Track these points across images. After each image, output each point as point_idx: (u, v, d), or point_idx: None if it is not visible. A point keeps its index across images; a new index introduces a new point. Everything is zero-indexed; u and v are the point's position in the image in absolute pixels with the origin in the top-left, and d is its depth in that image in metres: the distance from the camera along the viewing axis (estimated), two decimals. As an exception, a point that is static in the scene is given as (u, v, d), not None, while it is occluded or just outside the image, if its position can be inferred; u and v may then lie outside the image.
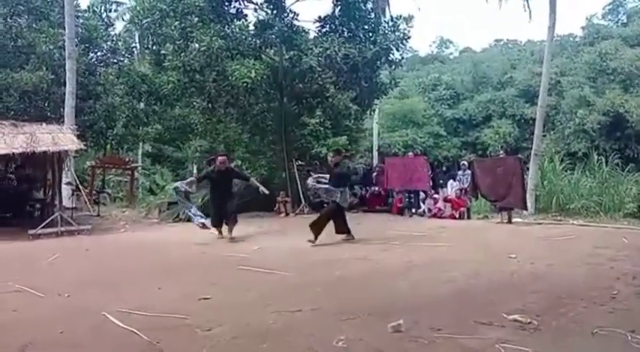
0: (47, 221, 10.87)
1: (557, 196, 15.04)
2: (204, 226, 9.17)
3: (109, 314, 4.42)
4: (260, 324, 4.16)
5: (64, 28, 15.68)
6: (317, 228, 8.64)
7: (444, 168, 16.16)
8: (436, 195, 13.73)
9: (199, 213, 9.34)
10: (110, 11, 19.73)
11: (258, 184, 9.89)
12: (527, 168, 13.75)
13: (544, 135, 18.49)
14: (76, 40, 16.19)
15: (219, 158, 9.38)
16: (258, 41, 14.55)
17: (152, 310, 4.59)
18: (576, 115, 24.13)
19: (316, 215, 14.06)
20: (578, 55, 29.06)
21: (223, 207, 9.23)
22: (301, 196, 15.04)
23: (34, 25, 17.02)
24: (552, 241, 8.82)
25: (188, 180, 9.64)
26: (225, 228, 9.33)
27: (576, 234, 9.45)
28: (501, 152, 14.56)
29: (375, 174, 16.03)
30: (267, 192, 9.88)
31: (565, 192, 15.34)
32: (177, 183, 9.73)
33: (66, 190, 12.81)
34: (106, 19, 19.24)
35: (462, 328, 3.97)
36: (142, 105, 19.47)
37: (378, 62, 14.96)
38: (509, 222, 11.72)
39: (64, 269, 6.96)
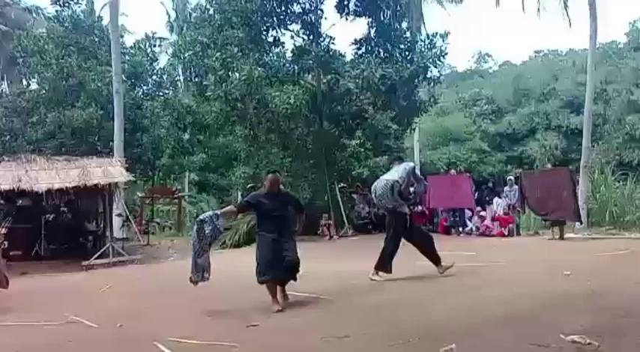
0: (99, 252, 11.23)
1: (610, 209, 14.45)
2: (198, 281, 5.95)
3: (161, 343, 4.48)
4: (308, 351, 4.13)
5: (111, 66, 16.40)
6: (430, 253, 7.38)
7: (490, 185, 15.79)
8: (483, 213, 13.43)
9: (207, 267, 5.95)
10: (154, 46, 20.41)
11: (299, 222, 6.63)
12: (577, 181, 13.28)
13: (592, 146, 17.87)
14: (122, 76, 16.87)
15: (270, 176, 6.13)
16: (296, 67, 14.80)
17: (202, 338, 4.63)
18: (626, 122, 23.26)
19: (361, 236, 14.11)
20: (623, 61, 28.11)
21: (280, 251, 5.81)
22: (345, 218, 14.98)
23: (83, 64, 17.86)
24: (608, 256, 8.46)
25: (225, 209, 6.51)
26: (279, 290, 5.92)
27: (633, 248, 9.04)
28: (549, 165, 14.14)
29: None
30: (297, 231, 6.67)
31: (619, 205, 14.72)
32: (207, 214, 6.20)
33: (117, 221, 13.22)
34: (150, 55, 19.96)
35: (517, 351, 3.82)
36: (186, 135, 20.01)
37: (416, 80, 14.90)
38: (562, 237, 11.33)
39: (116, 299, 7.13)
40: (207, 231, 5.81)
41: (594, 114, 17.82)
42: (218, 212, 6.22)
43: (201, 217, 6.05)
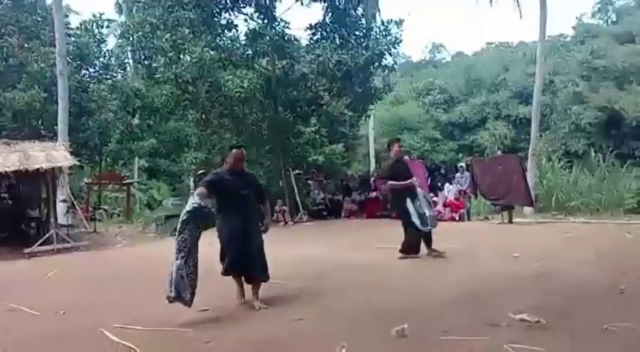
0: (43, 239, 10.74)
1: (556, 195, 15.00)
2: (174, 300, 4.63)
3: (107, 330, 4.30)
4: (261, 334, 4.06)
5: (55, 47, 15.64)
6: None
7: (442, 171, 16.06)
8: (435, 198, 13.62)
9: (191, 284, 4.71)
10: (102, 27, 19.55)
11: (268, 212, 6.07)
12: (526, 168, 13.68)
13: (540, 135, 18.46)
14: (68, 57, 16.13)
15: (234, 152, 5.28)
16: (250, 51, 14.50)
17: (150, 324, 4.47)
18: (572, 112, 24.16)
19: (316, 222, 14.11)
20: (570, 54, 29.13)
21: (247, 242, 5.13)
22: (299, 205, 14.93)
23: (25, 45, 16.97)
24: (555, 240, 8.74)
25: (198, 190, 5.19)
26: (246, 287, 5.30)
27: (579, 232, 9.39)
28: (499, 152, 14.50)
29: (373, 179, 15.95)
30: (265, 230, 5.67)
31: (564, 191, 15.32)
32: (196, 199, 4.93)
33: (61, 207, 12.67)
34: (98, 36, 19.14)
35: (469, 330, 3.87)
36: (136, 120, 19.35)
37: (371, 67, 14.91)
38: (510, 221, 11.65)
39: (60, 286, 6.83)
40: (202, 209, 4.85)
41: (542, 104, 18.37)
42: (200, 201, 4.92)
43: (188, 208, 4.83)
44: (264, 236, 5.33)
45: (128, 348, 3.84)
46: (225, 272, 5.18)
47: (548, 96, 23.81)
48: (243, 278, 5.27)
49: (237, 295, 5.24)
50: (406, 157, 16.38)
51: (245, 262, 5.10)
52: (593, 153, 18.65)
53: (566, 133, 24.15)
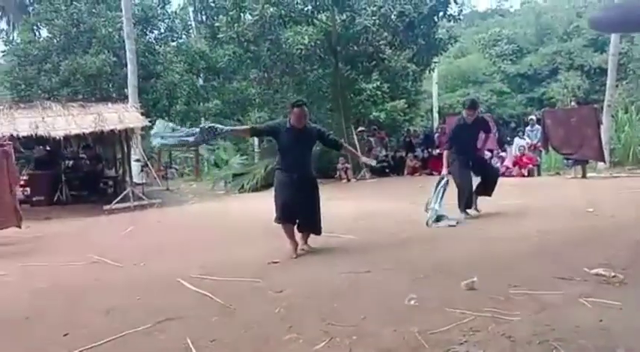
0: (120, 196, 11.38)
1: (633, 149, 14.16)
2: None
3: (184, 280, 4.54)
4: (330, 285, 4.15)
5: (121, 11, 16.06)
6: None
7: (512, 126, 15.40)
8: (503, 154, 13.21)
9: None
10: (165, -11, 19.89)
11: (354, 151, 6.90)
12: (601, 120, 12.92)
13: (617, 86, 17.30)
14: (133, 20, 16.55)
15: (296, 110, 5.21)
16: (309, 6, 14.30)
17: (224, 275, 4.68)
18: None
19: (378, 179, 14.08)
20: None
21: (299, 195, 5.28)
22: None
23: (93, 10, 17.52)
24: (632, 193, 8.30)
25: (239, 127, 5.46)
26: (298, 236, 5.51)
27: (656, 186, 8.86)
28: (573, 104, 13.72)
29: (437, 135, 15.60)
30: (373, 163, 7.44)
31: (642, 144, 14.43)
32: (208, 125, 5.40)
33: (135, 167, 13.31)
34: (161, -2, 19.49)
35: (541, 284, 3.78)
36: (200, 81, 19.74)
37: (435, 17, 14.33)
38: (584, 176, 11.15)
39: (138, 240, 7.24)
40: (197, 136, 5.27)
41: (619, 52, 17.12)
42: (229, 128, 5.72)
43: (206, 126, 5.32)
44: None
45: (204, 296, 4.04)
46: (277, 221, 5.36)
47: (625, 43, 22.14)
48: (296, 229, 5.42)
49: (290, 249, 5.36)
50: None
51: (295, 212, 5.28)
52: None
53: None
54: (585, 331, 2.84)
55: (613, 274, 3.84)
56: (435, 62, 17.36)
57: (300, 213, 5.32)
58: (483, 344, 2.74)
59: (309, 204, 5.34)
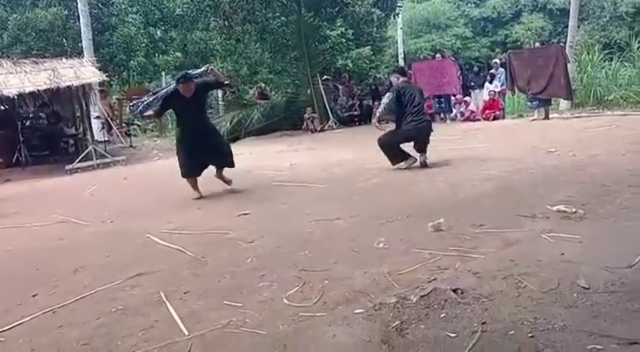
0: (82, 155, 11.08)
1: (594, 89, 14.40)
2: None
3: (153, 235, 4.51)
4: (300, 233, 4.18)
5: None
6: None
7: (476, 70, 15.43)
8: (467, 98, 13.27)
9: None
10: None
11: (218, 73, 6.68)
12: (568, 58, 12.98)
13: (578, 26, 17.38)
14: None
15: (181, 86, 5.84)
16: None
17: (193, 229, 4.66)
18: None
19: (346, 129, 14.04)
20: None
21: (198, 143, 6.02)
22: (329, 111, 14.79)
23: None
24: (592, 132, 8.54)
25: (148, 113, 6.52)
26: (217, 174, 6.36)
27: (616, 124, 9.11)
28: (537, 44, 13.71)
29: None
30: (227, 82, 7.24)
31: (603, 85, 14.66)
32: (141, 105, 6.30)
33: (96, 124, 12.92)
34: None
35: (505, 222, 3.90)
36: (159, 33, 19.00)
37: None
38: (547, 117, 11.36)
39: (104, 199, 7.12)
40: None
41: (580, -8, 17.14)
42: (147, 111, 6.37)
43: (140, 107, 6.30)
44: None
45: (175, 250, 4.03)
46: (187, 176, 6.19)
47: (587, -18, 22.15)
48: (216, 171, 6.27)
49: (193, 194, 6.14)
50: (438, 56, 15.87)
51: (198, 163, 6.13)
52: (636, 44, 17.54)
53: (607, 22, 22.68)
54: (548, 264, 2.95)
55: (574, 210, 3.98)
56: (399, 6, 17.09)
57: (206, 156, 6.11)
58: (450, 281, 2.82)
59: (211, 144, 6.11)
